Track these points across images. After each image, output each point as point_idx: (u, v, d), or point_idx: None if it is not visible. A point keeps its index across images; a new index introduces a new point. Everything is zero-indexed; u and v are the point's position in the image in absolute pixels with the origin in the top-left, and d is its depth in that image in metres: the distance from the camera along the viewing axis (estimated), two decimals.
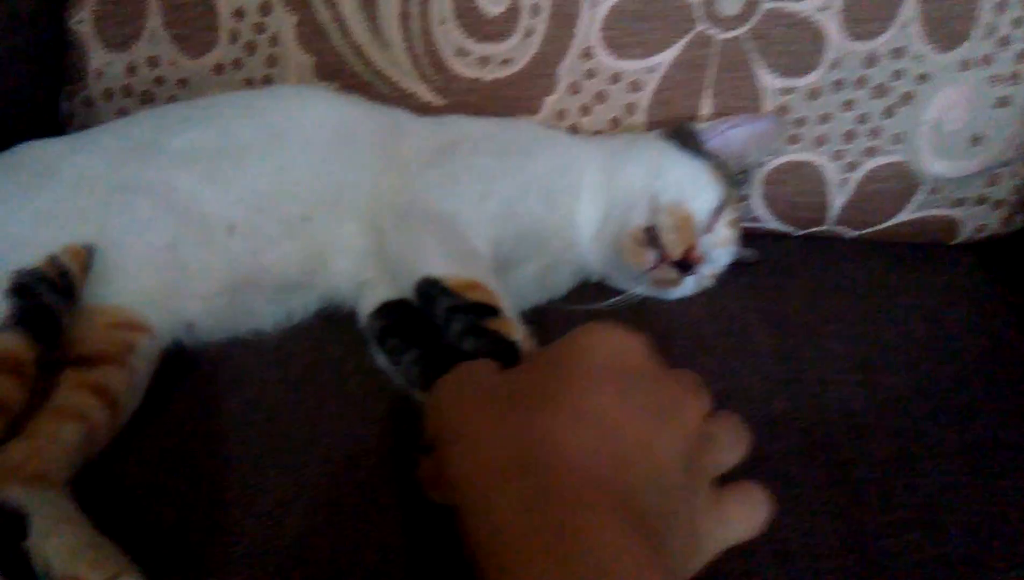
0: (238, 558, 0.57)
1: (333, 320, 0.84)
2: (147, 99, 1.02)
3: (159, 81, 1.02)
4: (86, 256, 0.74)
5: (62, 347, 0.69)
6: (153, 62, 1.01)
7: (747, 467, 0.64)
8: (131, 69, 1.02)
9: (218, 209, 0.80)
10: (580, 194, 0.88)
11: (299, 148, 0.84)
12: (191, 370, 0.76)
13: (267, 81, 1.00)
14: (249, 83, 1.00)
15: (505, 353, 0.68)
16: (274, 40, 0.99)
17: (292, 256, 0.82)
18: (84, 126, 1.00)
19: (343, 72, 0.99)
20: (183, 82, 1.01)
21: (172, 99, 1.01)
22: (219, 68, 1.00)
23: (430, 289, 0.74)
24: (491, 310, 0.71)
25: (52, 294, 0.69)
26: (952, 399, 0.74)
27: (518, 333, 0.70)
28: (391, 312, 0.79)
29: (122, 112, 1.02)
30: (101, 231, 0.75)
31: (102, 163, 0.80)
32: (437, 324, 0.73)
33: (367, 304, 0.81)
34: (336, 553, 0.58)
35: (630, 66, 0.96)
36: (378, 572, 0.56)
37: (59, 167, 0.79)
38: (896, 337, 0.83)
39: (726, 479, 0.53)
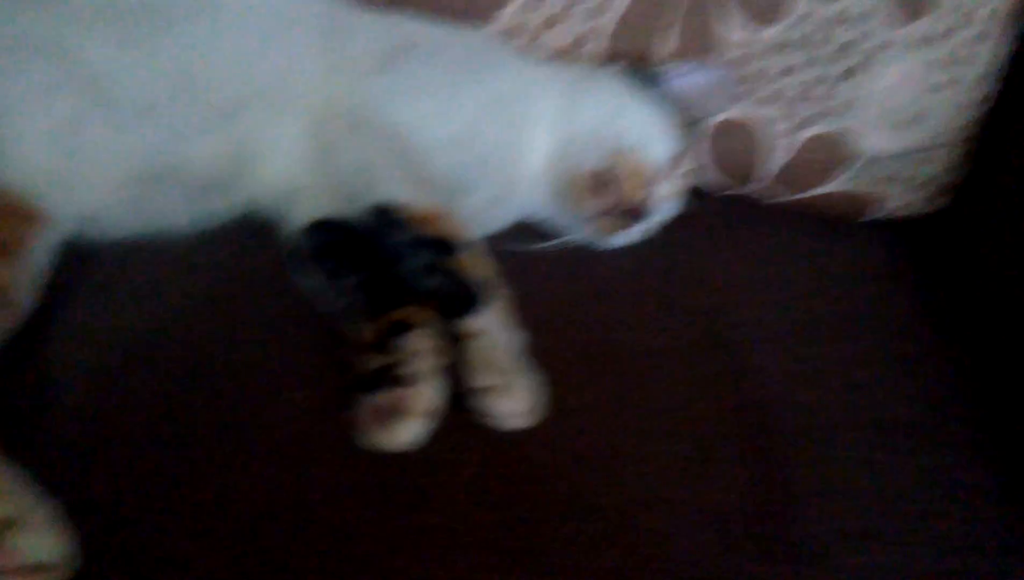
0: (149, 487, 0.53)
1: (254, 230, 0.78)
2: None
3: None
4: None
5: None
6: None
7: (675, 428, 0.66)
8: None
9: (132, 83, 0.71)
10: (533, 124, 0.84)
11: (234, 25, 0.75)
12: (93, 270, 0.69)
13: None
14: None
15: (465, 295, 0.65)
16: None
17: (215, 150, 0.74)
18: None
19: None
20: None
21: None
22: None
23: (386, 216, 0.69)
24: (451, 246, 0.68)
25: None
26: (860, 374, 0.78)
27: (483, 272, 0.67)
28: (324, 231, 0.74)
29: None
30: None
31: None
32: (390, 254, 0.69)
33: (297, 218, 0.76)
34: (263, 491, 0.54)
35: None
36: (312, 515, 0.54)
37: None
38: (815, 309, 0.85)
39: None
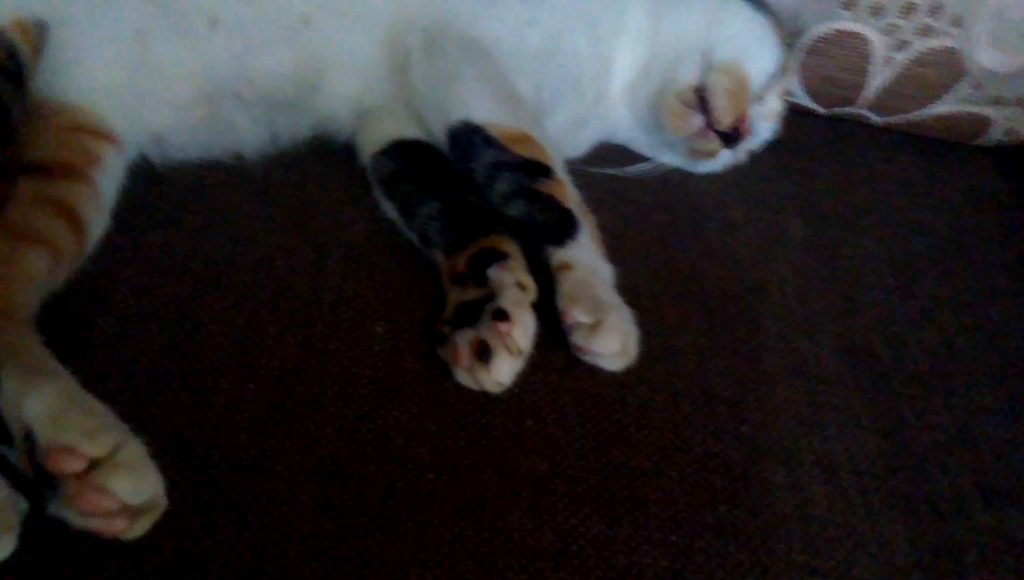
0: (236, 426, 0.50)
1: (327, 152, 0.73)
2: None
3: None
4: (37, 34, 0.60)
5: (15, 148, 0.57)
6: None
7: (787, 371, 0.61)
8: None
9: None
10: (622, 35, 0.77)
11: None
12: (163, 193, 0.65)
13: None
14: None
15: (560, 222, 0.60)
16: None
17: (285, 65, 0.69)
18: None
19: None
20: None
21: None
22: None
23: (471, 137, 0.64)
24: (542, 169, 0.62)
25: (1, 78, 0.55)
26: (982, 314, 0.71)
27: (573, 199, 0.62)
28: (404, 152, 0.69)
29: None
30: (55, 5, 0.61)
31: None
32: (474, 179, 0.64)
33: (373, 139, 0.70)
34: (353, 430, 0.51)
35: None
36: (406, 456, 0.50)
37: None
38: (925, 240, 0.79)
39: None
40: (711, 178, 0.81)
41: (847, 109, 0.96)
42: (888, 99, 0.94)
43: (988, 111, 0.95)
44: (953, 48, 0.90)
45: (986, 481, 0.56)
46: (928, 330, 0.68)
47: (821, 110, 0.97)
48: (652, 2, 0.78)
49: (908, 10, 0.88)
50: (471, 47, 0.69)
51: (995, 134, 0.97)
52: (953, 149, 0.97)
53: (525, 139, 0.64)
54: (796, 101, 0.95)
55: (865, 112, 0.96)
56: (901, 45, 0.91)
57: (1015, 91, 0.94)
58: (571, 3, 0.74)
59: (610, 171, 0.78)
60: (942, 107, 0.95)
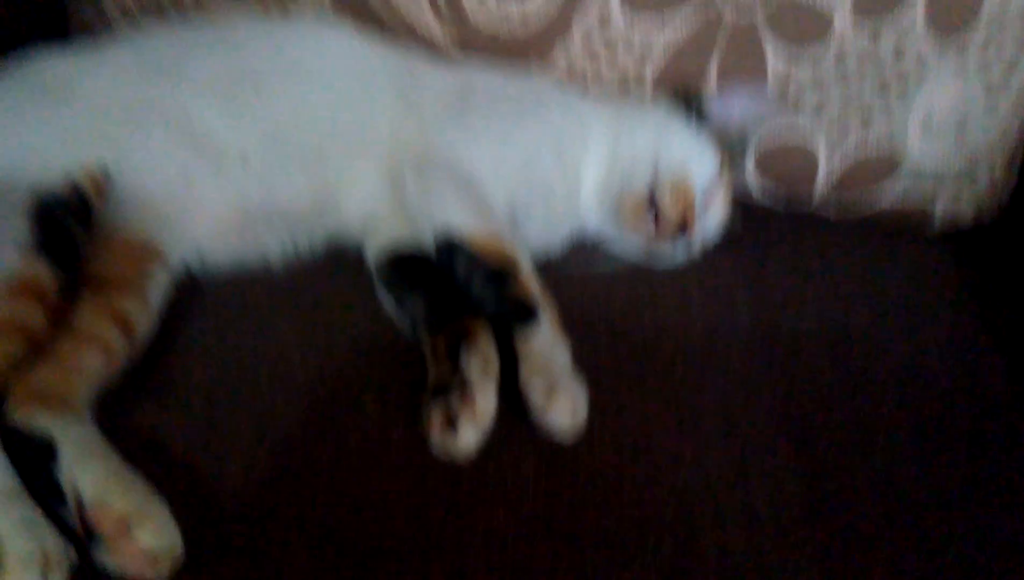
0: (247, 486, 0.61)
1: (341, 258, 0.86)
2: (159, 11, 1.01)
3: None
4: (102, 181, 0.74)
5: (82, 265, 0.71)
6: None
7: (722, 430, 0.71)
8: None
9: (233, 139, 0.81)
10: (584, 155, 0.92)
11: (317, 84, 0.86)
12: (202, 299, 0.79)
13: (282, 7, 0.99)
14: (264, 8, 1.00)
15: (523, 312, 0.72)
16: None
17: (304, 190, 0.84)
18: (92, 32, 1.00)
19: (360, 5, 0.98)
20: (198, 2, 1.00)
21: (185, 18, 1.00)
22: None
23: (451, 244, 0.78)
24: (509, 269, 0.75)
25: (73, 220, 0.70)
26: (912, 381, 0.80)
27: (536, 290, 0.74)
28: (401, 255, 0.82)
29: (130, 17, 1.00)
30: (117, 155, 0.76)
31: (120, 84, 0.81)
32: (456, 276, 0.77)
33: (377, 245, 0.84)
34: (344, 491, 0.62)
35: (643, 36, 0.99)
36: (385, 513, 0.61)
37: (78, 84, 0.80)
38: (868, 321, 0.88)
39: None
40: (673, 271, 0.92)
41: (805, 208, 1.07)
42: (838, 198, 1.05)
43: (929, 204, 1.05)
44: (889, 151, 1.01)
45: (897, 520, 0.64)
46: (857, 396, 0.77)
47: (782, 209, 1.08)
48: (610, 125, 0.93)
49: (842, 121, 1.01)
50: (453, 169, 0.83)
51: (941, 224, 1.06)
52: (909, 238, 1.06)
53: (496, 241, 0.77)
54: (756, 202, 1.06)
55: (821, 210, 1.07)
56: (840, 151, 1.02)
57: (949, 183, 1.04)
58: (539, 132, 0.90)
59: (582, 271, 0.90)
60: (887, 203, 1.05)
